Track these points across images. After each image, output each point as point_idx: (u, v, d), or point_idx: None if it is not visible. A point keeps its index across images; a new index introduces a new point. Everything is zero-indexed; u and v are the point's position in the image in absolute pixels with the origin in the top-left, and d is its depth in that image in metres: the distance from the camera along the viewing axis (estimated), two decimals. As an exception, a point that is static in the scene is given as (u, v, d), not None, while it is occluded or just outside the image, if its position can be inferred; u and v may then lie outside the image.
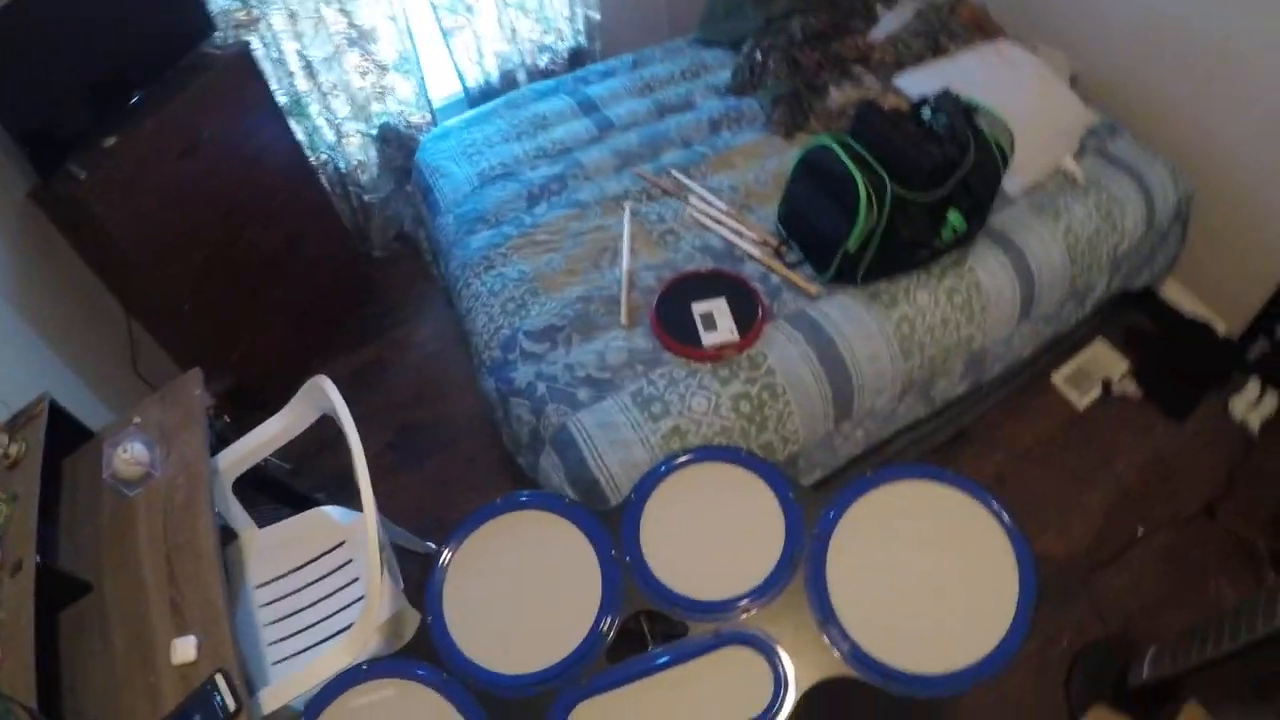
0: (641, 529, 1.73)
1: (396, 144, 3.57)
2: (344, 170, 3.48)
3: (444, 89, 3.78)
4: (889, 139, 2.30)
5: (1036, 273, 2.54)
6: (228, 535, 2.25)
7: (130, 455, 1.99)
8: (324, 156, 3.40)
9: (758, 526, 1.71)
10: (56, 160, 2.35)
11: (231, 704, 1.63)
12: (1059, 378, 3.15)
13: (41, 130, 2.30)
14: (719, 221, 2.65)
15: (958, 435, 2.95)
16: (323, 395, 2.04)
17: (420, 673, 1.60)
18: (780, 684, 1.50)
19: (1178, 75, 2.87)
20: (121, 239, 2.46)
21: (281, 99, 3.08)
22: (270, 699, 1.76)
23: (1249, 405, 3.02)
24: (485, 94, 3.66)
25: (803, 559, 1.65)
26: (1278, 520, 2.76)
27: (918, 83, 2.87)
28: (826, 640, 1.55)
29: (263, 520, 2.34)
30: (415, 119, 3.56)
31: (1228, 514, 2.78)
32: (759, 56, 3.15)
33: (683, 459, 1.81)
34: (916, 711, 2.46)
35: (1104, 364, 3.18)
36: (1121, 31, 2.98)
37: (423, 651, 1.63)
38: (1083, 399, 3.09)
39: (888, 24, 3.24)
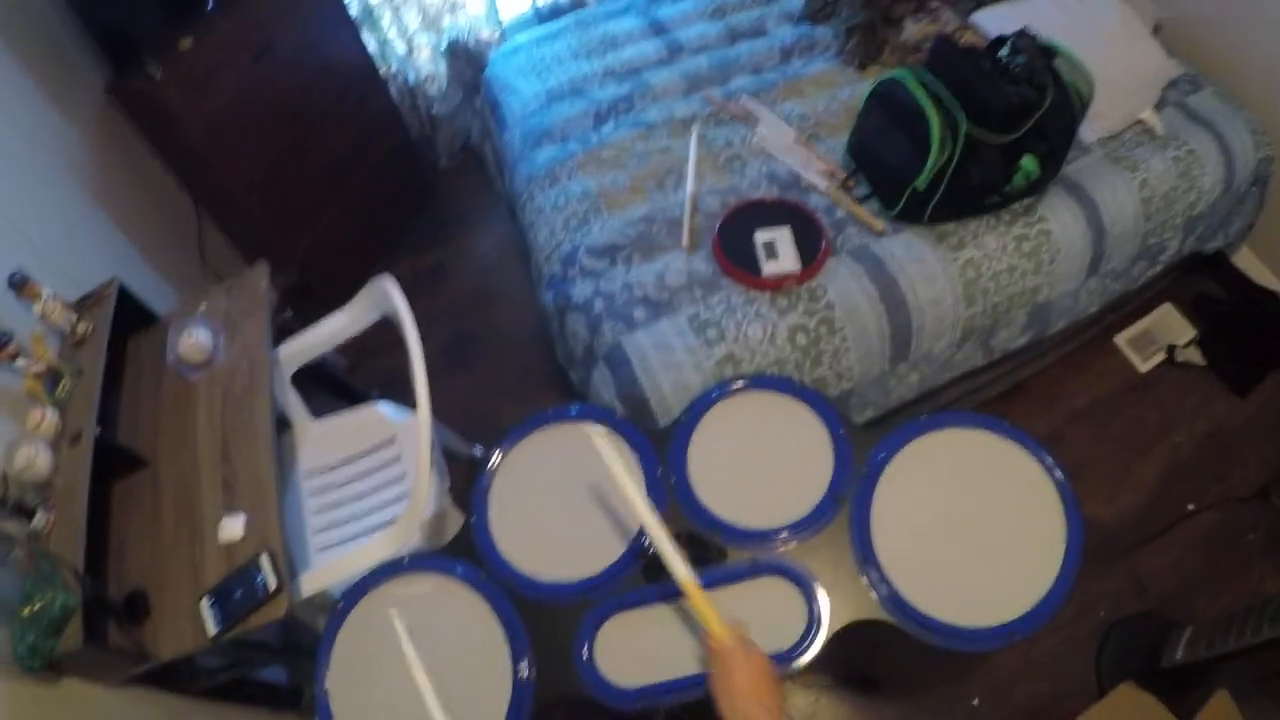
0: (689, 451, 1.71)
1: (466, 58, 3.57)
2: (413, 82, 3.50)
3: (514, 5, 3.74)
4: (965, 76, 2.23)
5: (1109, 226, 2.47)
6: (282, 424, 2.31)
7: (195, 340, 2.07)
8: (394, 67, 3.42)
9: (805, 460, 1.68)
10: (133, 58, 2.40)
11: (273, 583, 1.69)
12: (1122, 339, 3.08)
13: (119, 28, 2.36)
14: (786, 150, 2.61)
15: (1014, 388, 2.90)
16: (385, 295, 2.08)
17: (459, 570, 1.61)
18: (814, 620, 1.48)
19: (1268, 30, 2.74)
20: (194, 136, 2.53)
21: (354, 9, 3.09)
22: (309, 583, 1.81)
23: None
24: (554, 12, 3.65)
25: (848, 497, 1.62)
26: (1332, 512, 2.68)
27: (995, 20, 2.78)
28: (865, 582, 1.52)
29: (317, 412, 2.40)
30: (485, 34, 3.55)
31: (1282, 499, 2.71)
32: (834, -16, 3.09)
33: (737, 385, 1.79)
34: (942, 663, 2.46)
35: (1170, 329, 3.10)
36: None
37: (463, 550, 1.64)
38: (1145, 363, 3.03)
39: (966, -43, 3.14)
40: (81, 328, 2.08)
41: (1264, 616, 1.89)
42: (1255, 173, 2.71)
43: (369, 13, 3.19)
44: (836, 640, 1.48)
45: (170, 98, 2.40)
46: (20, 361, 1.90)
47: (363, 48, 3.12)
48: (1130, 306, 3.04)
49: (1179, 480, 2.78)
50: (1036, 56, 2.24)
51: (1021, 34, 2.29)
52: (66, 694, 1.66)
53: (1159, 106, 2.71)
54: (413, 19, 3.29)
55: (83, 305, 2.16)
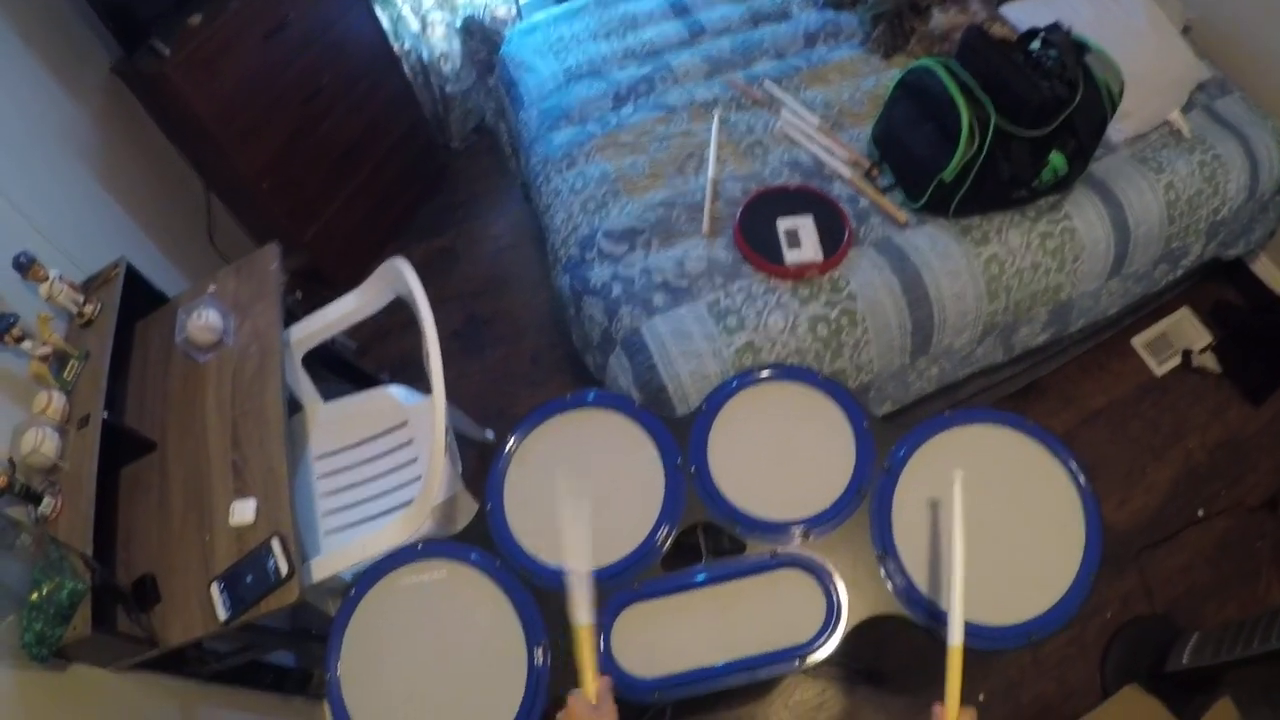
0: (710, 441, 1.69)
1: (480, 37, 3.54)
2: (427, 61, 3.47)
3: (531, -17, 3.71)
4: (997, 69, 2.19)
5: (1133, 227, 2.44)
6: (292, 407, 2.28)
7: (204, 322, 2.04)
8: (407, 46, 3.38)
9: (827, 453, 1.67)
10: (141, 36, 2.37)
11: (284, 568, 1.67)
12: (1140, 341, 3.07)
13: (126, 5, 2.32)
14: (810, 137, 2.57)
15: (1031, 386, 2.90)
16: (398, 276, 2.05)
17: (473, 557, 1.59)
18: (833, 613, 1.48)
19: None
20: (204, 115, 2.49)
21: (367, -15, 3.05)
22: (321, 568, 1.79)
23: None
24: (573, -10, 3.58)
25: (870, 490, 1.61)
26: (1341, 524, 2.68)
27: (1025, 13, 2.75)
28: (883, 574, 1.52)
29: (327, 395, 2.37)
30: (500, 12, 3.53)
31: (1291, 510, 2.70)
32: (861, -30, 3.05)
33: (760, 375, 1.77)
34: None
35: (1187, 333, 3.09)
36: (1241, -19, 2.82)
37: (478, 537, 1.62)
38: (1160, 366, 3.02)
39: (996, -52, 3.11)
40: (89, 309, 2.07)
41: (1271, 627, 1.90)
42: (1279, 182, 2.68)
43: (382, -12, 3.15)
44: (850, 634, 1.48)
45: (179, 77, 2.37)
46: (26, 344, 1.89)
47: (378, 26, 3.09)
48: (1149, 309, 3.03)
49: (1191, 486, 2.77)
50: (1069, 52, 2.20)
51: (1054, 28, 2.25)
52: (75, 681, 1.65)
53: (1186, 109, 2.68)
54: (426, -4, 3.25)
55: (90, 286, 2.15)
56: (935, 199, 2.30)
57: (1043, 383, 2.93)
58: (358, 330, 2.36)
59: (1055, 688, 2.41)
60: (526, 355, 3.14)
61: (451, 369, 3.01)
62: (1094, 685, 2.42)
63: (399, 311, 2.12)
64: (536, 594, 1.54)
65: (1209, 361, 2.99)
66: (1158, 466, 2.81)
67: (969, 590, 1.43)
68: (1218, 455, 2.84)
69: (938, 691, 2.39)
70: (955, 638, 1.32)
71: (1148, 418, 2.91)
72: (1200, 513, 2.71)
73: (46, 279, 1.98)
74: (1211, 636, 2.13)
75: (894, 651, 2.40)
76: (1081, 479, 1.59)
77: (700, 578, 1.53)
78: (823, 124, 2.62)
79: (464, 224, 3.60)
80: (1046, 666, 2.44)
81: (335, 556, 1.80)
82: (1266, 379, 2.94)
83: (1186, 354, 3.02)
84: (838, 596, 1.49)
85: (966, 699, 2.29)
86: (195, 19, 2.43)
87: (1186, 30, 2.85)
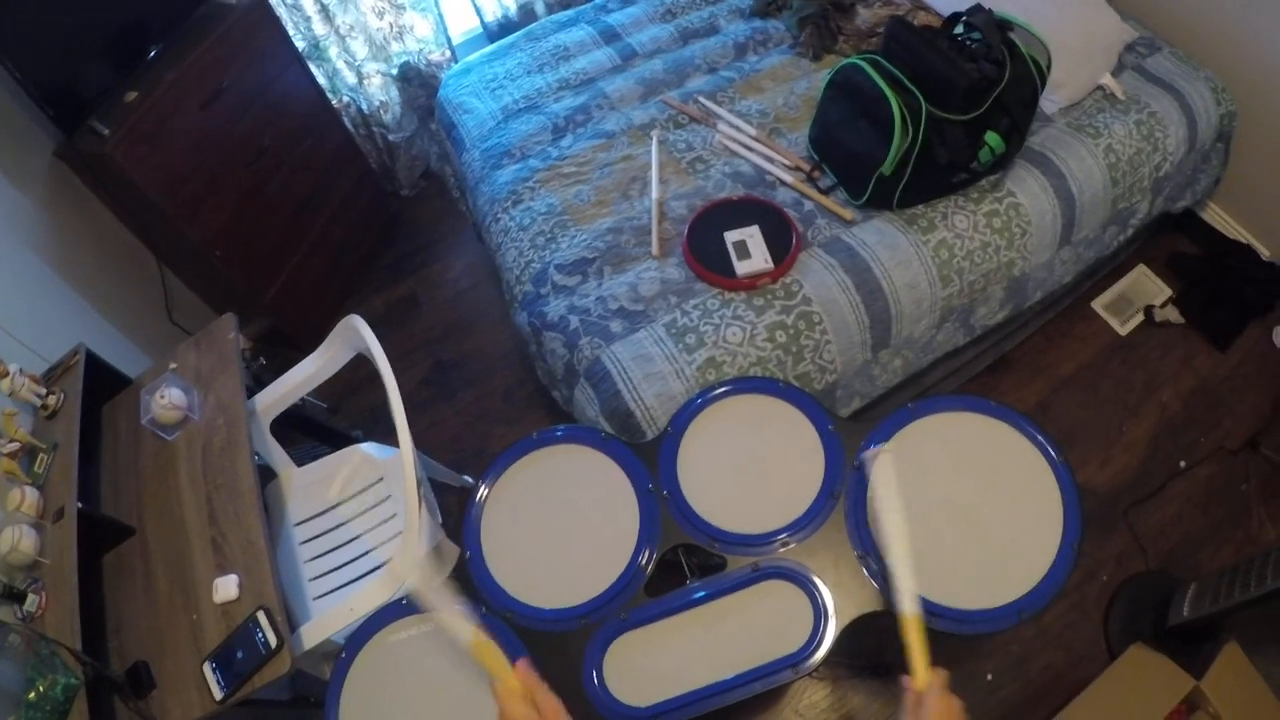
0: (679, 462, 1.69)
1: (418, 82, 3.55)
2: (367, 111, 3.46)
3: (462, 25, 3.74)
4: (922, 57, 2.22)
5: (1077, 195, 2.47)
6: (267, 475, 2.26)
7: (168, 400, 2.02)
8: (346, 99, 3.39)
9: (796, 459, 1.67)
10: (79, 118, 2.36)
11: (273, 640, 1.66)
12: (1100, 304, 3.09)
13: (62, 89, 2.30)
14: (749, 147, 2.59)
15: (998, 363, 2.91)
16: (356, 334, 2.05)
17: (458, 607, 1.58)
18: (820, 619, 1.48)
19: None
20: (149, 191, 2.47)
21: (300, 44, 3.05)
22: (311, 634, 1.78)
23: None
24: (504, 28, 3.60)
25: (842, 491, 1.61)
26: (1323, 453, 2.69)
27: (949, -1, 2.78)
28: (866, 573, 1.52)
29: (301, 459, 2.35)
30: (435, 56, 3.53)
31: (1271, 445, 2.72)
32: (783, -24, 3.07)
33: (719, 390, 1.77)
34: (953, 642, 2.45)
35: (1146, 290, 3.12)
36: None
37: (461, 585, 1.61)
38: (1124, 326, 3.04)
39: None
40: (52, 400, 2.04)
41: (1266, 568, 1.91)
42: (1219, 130, 2.72)
43: (315, 45, 3.15)
44: (846, 634, 1.48)
45: (120, 155, 2.35)
46: (-8, 443, 1.86)
47: (314, 82, 3.09)
48: (1105, 272, 3.06)
49: (1170, 438, 2.80)
50: (993, 31, 2.23)
51: (976, 9, 2.29)
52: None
53: (1117, 71, 2.72)
54: (360, 48, 3.25)
55: (51, 377, 2.13)
56: (877, 193, 2.32)
57: (1010, 357, 2.95)
58: (328, 388, 2.34)
59: (1063, 655, 2.42)
60: (498, 393, 3.13)
61: (425, 416, 3.04)
62: (1100, 649, 2.43)
63: (366, 365, 2.10)
64: (526, 637, 1.53)
65: (1171, 314, 3.02)
66: (1134, 423, 2.83)
67: (959, 574, 1.48)
68: (1192, 404, 2.86)
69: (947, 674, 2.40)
70: (906, 605, 1.35)
71: (1118, 376, 2.94)
72: (1182, 463, 2.73)
73: (7, 374, 1.96)
74: (1209, 585, 2.13)
75: (896, 644, 2.41)
76: (1051, 451, 1.60)
77: (685, 600, 1.53)
78: (760, 132, 2.64)
79: (422, 270, 3.59)
80: (1051, 635, 2.45)
81: (323, 621, 1.80)
82: (1230, 323, 2.98)
83: (1148, 310, 3.05)
84: (823, 601, 1.49)
85: (971, 681, 2.30)
86: (131, 95, 2.42)
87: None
